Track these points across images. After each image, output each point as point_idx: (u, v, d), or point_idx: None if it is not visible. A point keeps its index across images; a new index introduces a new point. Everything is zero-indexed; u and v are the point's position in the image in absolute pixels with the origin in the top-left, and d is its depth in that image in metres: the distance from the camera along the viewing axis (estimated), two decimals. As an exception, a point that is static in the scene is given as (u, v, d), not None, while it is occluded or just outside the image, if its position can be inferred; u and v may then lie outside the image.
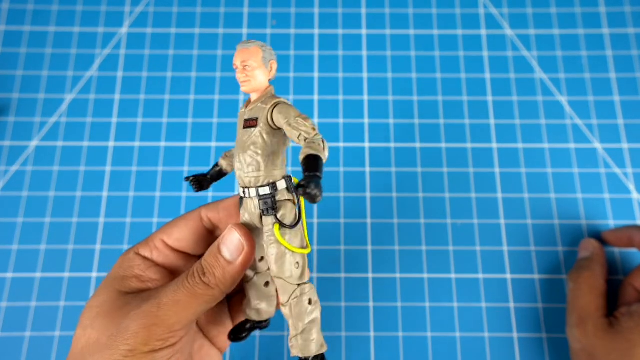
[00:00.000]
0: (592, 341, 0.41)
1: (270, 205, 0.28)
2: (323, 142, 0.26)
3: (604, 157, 0.52)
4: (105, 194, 0.51)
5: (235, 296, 0.37)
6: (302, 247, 0.29)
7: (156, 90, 0.55)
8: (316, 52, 0.56)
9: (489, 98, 0.54)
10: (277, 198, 0.29)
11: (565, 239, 0.49)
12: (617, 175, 0.51)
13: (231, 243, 0.29)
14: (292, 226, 0.28)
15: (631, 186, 0.51)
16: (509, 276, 0.48)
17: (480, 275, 0.48)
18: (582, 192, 0.51)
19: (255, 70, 0.29)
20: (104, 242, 0.49)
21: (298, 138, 0.27)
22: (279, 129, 0.29)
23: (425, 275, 0.48)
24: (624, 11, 0.57)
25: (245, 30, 0.57)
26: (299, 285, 0.28)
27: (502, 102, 0.54)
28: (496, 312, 0.47)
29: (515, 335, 0.46)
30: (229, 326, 0.36)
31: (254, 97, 0.30)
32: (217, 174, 0.33)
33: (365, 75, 0.55)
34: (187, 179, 0.33)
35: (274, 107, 0.28)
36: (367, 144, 0.53)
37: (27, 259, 0.49)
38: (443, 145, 0.53)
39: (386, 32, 0.57)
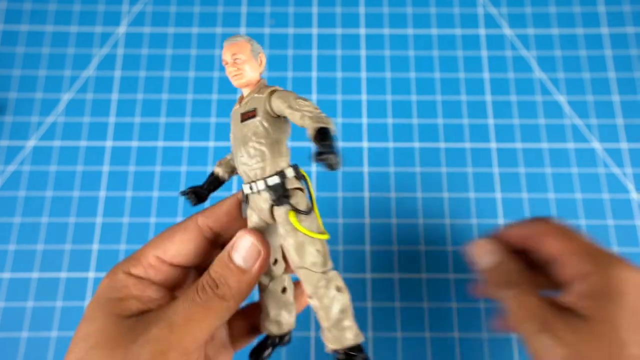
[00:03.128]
0: (569, 344, 0.28)
1: (282, 194, 0.27)
2: (328, 117, 0.26)
3: (603, 156, 0.52)
4: (102, 193, 0.51)
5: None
6: (320, 233, 0.27)
7: (154, 90, 0.55)
8: (314, 52, 0.56)
9: (488, 98, 0.54)
10: (287, 186, 0.28)
11: (564, 239, 0.49)
12: (616, 175, 0.51)
13: (244, 249, 0.28)
14: (307, 212, 0.27)
15: (630, 186, 0.51)
16: (507, 276, 0.48)
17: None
18: (581, 192, 0.51)
19: (245, 64, 0.29)
20: (101, 242, 0.49)
21: (301, 119, 0.26)
22: (279, 116, 0.28)
23: (424, 276, 0.48)
24: (622, 10, 0.57)
25: (243, 30, 0.57)
26: (323, 272, 0.27)
27: (501, 102, 0.54)
28: (495, 313, 0.47)
29: (514, 336, 0.46)
30: (228, 349, 0.33)
31: (246, 92, 0.30)
32: (215, 183, 0.32)
33: (363, 74, 0.55)
34: (182, 192, 0.31)
35: (271, 94, 0.28)
36: (365, 144, 0.52)
37: (24, 259, 0.48)
38: (442, 145, 0.52)
39: (384, 32, 0.57)
